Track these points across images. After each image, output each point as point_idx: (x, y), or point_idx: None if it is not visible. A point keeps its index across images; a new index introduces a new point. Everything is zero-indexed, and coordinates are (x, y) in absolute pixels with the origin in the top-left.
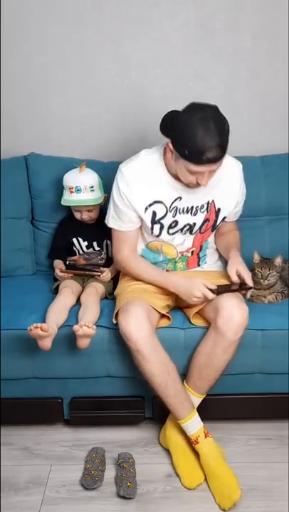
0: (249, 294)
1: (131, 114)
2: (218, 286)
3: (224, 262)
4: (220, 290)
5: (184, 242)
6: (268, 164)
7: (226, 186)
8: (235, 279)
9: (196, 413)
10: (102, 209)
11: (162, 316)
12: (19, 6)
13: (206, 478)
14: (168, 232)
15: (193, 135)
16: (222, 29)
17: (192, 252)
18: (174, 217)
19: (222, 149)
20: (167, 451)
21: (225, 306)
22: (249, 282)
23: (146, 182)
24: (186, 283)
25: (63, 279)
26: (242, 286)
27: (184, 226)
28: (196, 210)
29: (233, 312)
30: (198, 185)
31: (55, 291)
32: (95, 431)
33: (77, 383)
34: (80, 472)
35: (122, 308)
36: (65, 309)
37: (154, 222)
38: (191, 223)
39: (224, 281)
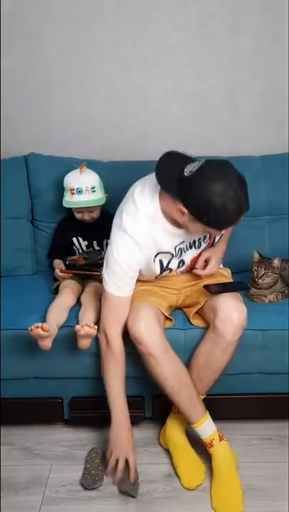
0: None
1: (131, 114)
2: (215, 285)
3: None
4: (217, 290)
5: (182, 266)
6: (268, 164)
7: None
8: (199, 265)
9: (209, 417)
10: (103, 209)
11: (165, 317)
12: (19, 6)
13: (211, 480)
14: (177, 272)
15: (222, 209)
16: (222, 29)
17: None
18: (179, 258)
19: (248, 210)
20: (167, 451)
21: (223, 307)
22: (207, 272)
23: (150, 237)
24: (115, 435)
25: (63, 279)
26: (239, 286)
27: (191, 259)
28: (200, 242)
29: (231, 313)
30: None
31: (55, 291)
32: (95, 431)
33: (77, 383)
34: (80, 472)
35: (131, 312)
36: (66, 309)
37: (162, 269)
38: (196, 254)
39: (224, 280)
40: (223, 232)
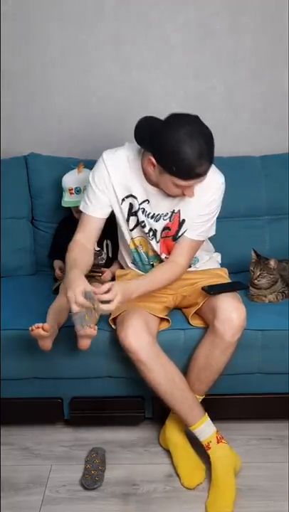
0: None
1: (131, 114)
2: (213, 286)
3: (221, 257)
4: (216, 291)
5: (153, 247)
6: (268, 164)
7: (196, 197)
8: (99, 291)
9: (208, 418)
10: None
11: (162, 319)
12: (19, 5)
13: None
14: (141, 229)
15: (182, 152)
16: (222, 29)
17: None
18: (141, 216)
19: (211, 161)
20: (167, 451)
21: (222, 308)
22: (103, 297)
23: (125, 175)
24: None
25: (63, 279)
26: (238, 286)
27: (149, 231)
28: (160, 216)
29: (230, 314)
30: (184, 195)
31: (56, 291)
32: (95, 431)
33: (77, 383)
34: (80, 472)
35: (119, 320)
36: (66, 310)
37: (130, 213)
38: (153, 229)
39: (221, 280)
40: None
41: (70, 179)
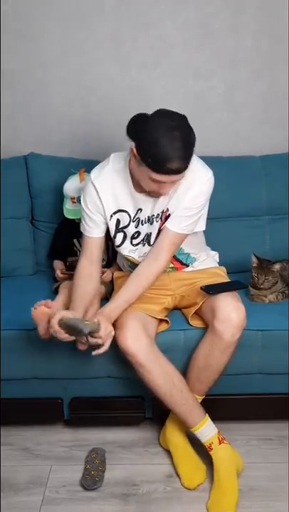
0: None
1: (131, 114)
2: (212, 285)
3: (218, 256)
4: (215, 290)
5: (144, 254)
6: (268, 164)
7: (181, 192)
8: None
9: (209, 419)
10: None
11: (161, 320)
12: (19, 5)
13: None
14: (131, 242)
15: (157, 144)
16: (222, 29)
17: None
18: (136, 227)
19: (185, 161)
20: (167, 451)
21: (222, 308)
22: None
23: (112, 190)
24: None
25: (63, 280)
26: (237, 285)
27: (144, 237)
28: (152, 219)
29: (230, 314)
30: (159, 194)
31: (56, 291)
32: (95, 431)
33: (77, 383)
34: (80, 472)
35: (117, 323)
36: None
37: (117, 230)
38: (148, 233)
39: (219, 279)
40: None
41: (72, 187)
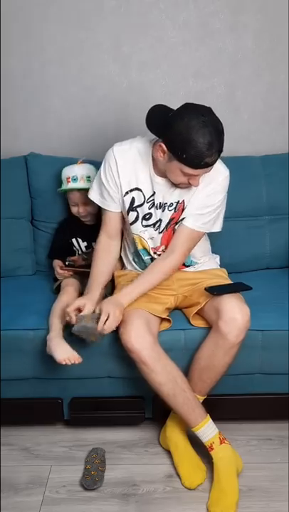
0: None
1: (131, 114)
2: (216, 287)
3: (219, 258)
4: (219, 292)
5: (153, 239)
6: (268, 164)
7: (200, 187)
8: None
9: (210, 420)
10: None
11: (162, 319)
12: (19, 5)
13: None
14: (142, 223)
15: (194, 140)
16: (222, 29)
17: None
18: (149, 209)
19: (219, 153)
20: (167, 451)
21: (226, 309)
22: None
23: (132, 167)
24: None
25: (63, 277)
26: (241, 287)
27: (156, 222)
28: (164, 207)
29: (235, 315)
30: (189, 185)
31: (56, 291)
32: (95, 431)
33: (77, 383)
34: (80, 472)
35: (121, 321)
36: None
37: (131, 208)
38: (159, 219)
39: (221, 280)
40: (197, 181)
41: (68, 169)
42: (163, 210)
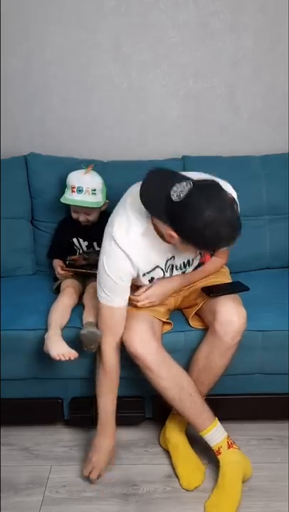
0: None
1: (131, 114)
2: (213, 287)
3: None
4: (217, 293)
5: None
6: (268, 164)
7: None
8: (139, 292)
9: (218, 423)
10: (105, 210)
11: (164, 322)
12: (19, 5)
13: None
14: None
15: (214, 237)
16: (222, 29)
17: None
18: (171, 275)
19: (237, 237)
20: (167, 451)
21: (223, 311)
22: (137, 298)
23: (144, 252)
24: (98, 443)
25: (64, 277)
26: (238, 288)
27: (179, 268)
28: (192, 260)
29: (231, 317)
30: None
31: (56, 291)
32: (95, 431)
33: (77, 383)
34: (80, 473)
35: (125, 326)
36: (68, 309)
37: (150, 280)
38: (185, 270)
39: (221, 279)
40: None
41: (75, 177)
42: (191, 265)
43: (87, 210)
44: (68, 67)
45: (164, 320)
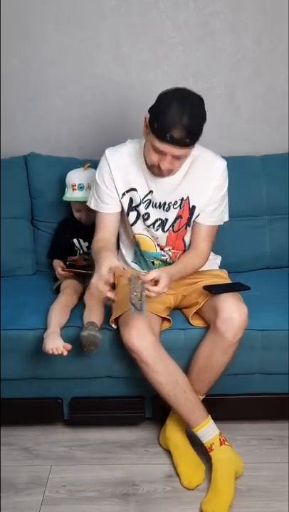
0: None
1: (131, 114)
2: (215, 286)
3: (220, 260)
4: (218, 291)
5: (157, 239)
6: (268, 164)
7: (203, 183)
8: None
9: (211, 420)
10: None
11: (163, 318)
12: (19, 6)
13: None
14: (144, 222)
15: (165, 111)
16: (222, 29)
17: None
18: (146, 209)
19: (188, 133)
20: (167, 451)
21: (224, 308)
22: (157, 290)
23: (125, 168)
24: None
25: (64, 278)
26: (240, 287)
27: (156, 221)
28: (169, 206)
29: (232, 314)
30: (160, 170)
31: (56, 291)
32: (95, 431)
33: (77, 383)
34: (80, 473)
35: (123, 321)
36: (67, 309)
37: (130, 209)
38: (163, 219)
39: (221, 280)
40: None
41: (75, 175)
42: (167, 210)
43: (89, 207)
44: (68, 67)
45: (163, 316)
